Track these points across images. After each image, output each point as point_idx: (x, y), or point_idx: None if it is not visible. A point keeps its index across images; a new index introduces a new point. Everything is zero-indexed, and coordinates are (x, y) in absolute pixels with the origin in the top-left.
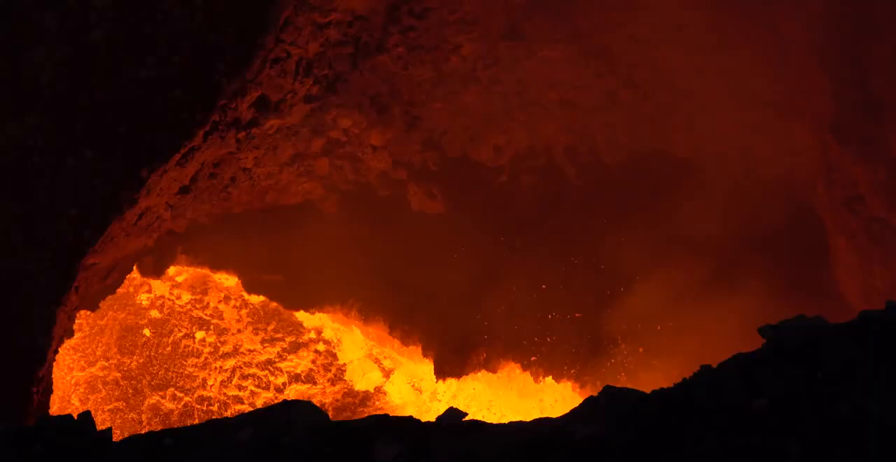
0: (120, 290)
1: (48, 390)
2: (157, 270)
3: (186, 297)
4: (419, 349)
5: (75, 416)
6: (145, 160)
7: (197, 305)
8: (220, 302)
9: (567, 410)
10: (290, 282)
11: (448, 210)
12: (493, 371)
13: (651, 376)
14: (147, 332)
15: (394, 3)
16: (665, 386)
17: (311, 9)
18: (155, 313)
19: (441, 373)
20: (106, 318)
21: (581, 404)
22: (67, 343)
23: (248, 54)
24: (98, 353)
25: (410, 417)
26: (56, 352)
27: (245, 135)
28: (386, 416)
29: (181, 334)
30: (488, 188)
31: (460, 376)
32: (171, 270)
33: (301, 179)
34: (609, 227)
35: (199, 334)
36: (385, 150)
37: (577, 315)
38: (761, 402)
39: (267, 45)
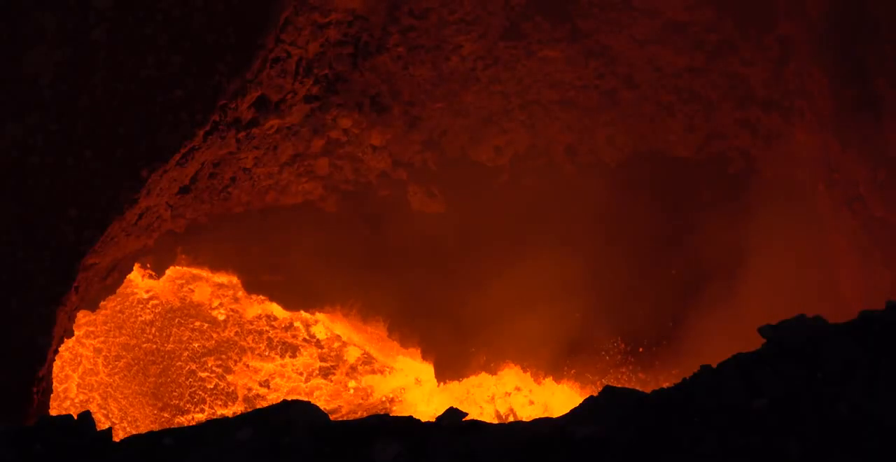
0: (188, 296)
1: (48, 390)
2: (157, 270)
3: (254, 310)
4: (419, 352)
5: (75, 415)
6: (145, 160)
7: (273, 323)
8: (314, 323)
9: (567, 410)
10: (290, 282)
11: (448, 210)
12: (493, 373)
13: (651, 376)
14: (214, 365)
15: (394, 3)
16: (665, 385)
17: (311, 9)
18: (225, 331)
19: (442, 376)
20: (171, 341)
21: (581, 404)
22: (143, 387)
23: (248, 54)
24: (172, 402)
25: (410, 417)
26: (56, 352)
27: (245, 135)
28: (386, 415)
29: (261, 378)
30: (488, 188)
31: (461, 379)
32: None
33: (301, 179)
34: (609, 227)
35: (280, 381)
36: (385, 150)
37: (576, 315)
38: (761, 402)
39: (267, 45)
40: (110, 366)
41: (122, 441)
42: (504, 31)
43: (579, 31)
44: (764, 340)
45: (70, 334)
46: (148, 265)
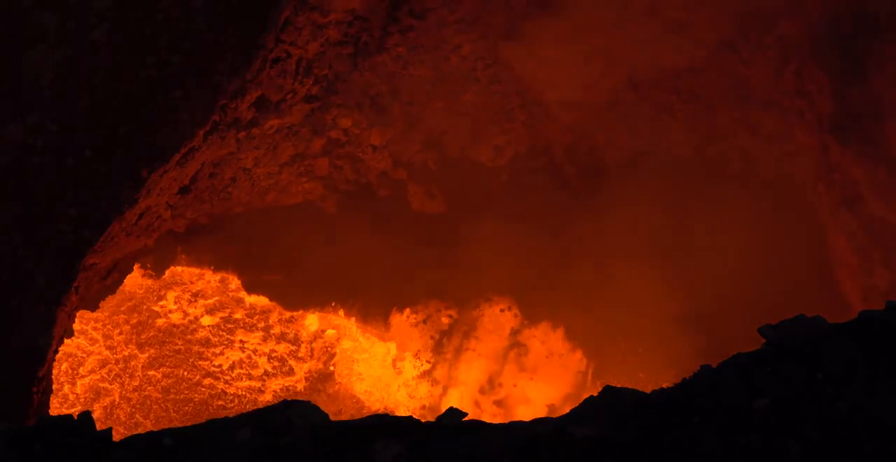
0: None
1: (48, 390)
2: (157, 270)
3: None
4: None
5: (75, 416)
6: (145, 160)
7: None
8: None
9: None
10: (290, 282)
11: (448, 210)
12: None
13: (651, 375)
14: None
15: (394, 3)
16: (665, 385)
17: (310, 9)
18: (312, 360)
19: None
20: (236, 375)
21: (581, 404)
22: None
23: (248, 54)
24: None
25: (410, 417)
26: (56, 352)
27: (245, 135)
28: (386, 415)
29: None
30: (488, 188)
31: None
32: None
33: (301, 179)
34: (610, 227)
35: None
36: (385, 150)
37: (579, 314)
38: (762, 401)
39: (267, 45)
40: (180, 412)
41: (122, 441)
42: (504, 31)
43: (579, 31)
44: (763, 340)
45: (70, 334)
46: (148, 265)
